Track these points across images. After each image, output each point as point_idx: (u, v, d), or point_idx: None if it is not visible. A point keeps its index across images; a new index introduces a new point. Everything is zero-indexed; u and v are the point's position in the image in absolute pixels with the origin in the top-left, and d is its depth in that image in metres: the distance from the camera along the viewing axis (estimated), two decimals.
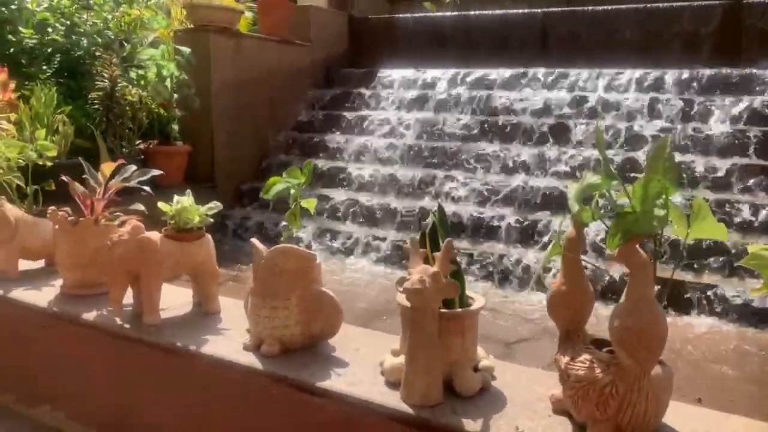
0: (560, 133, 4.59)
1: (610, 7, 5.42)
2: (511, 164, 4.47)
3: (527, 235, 3.88)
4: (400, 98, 5.38)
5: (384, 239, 4.10)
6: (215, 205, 1.68)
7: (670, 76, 4.75)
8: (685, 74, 4.72)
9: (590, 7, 5.49)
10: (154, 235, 1.58)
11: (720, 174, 3.91)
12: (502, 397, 1.26)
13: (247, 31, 5.22)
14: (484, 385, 1.27)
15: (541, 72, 5.20)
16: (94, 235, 1.76)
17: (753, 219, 3.56)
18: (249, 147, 4.97)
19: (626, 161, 4.15)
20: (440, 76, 5.45)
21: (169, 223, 1.63)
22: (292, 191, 1.50)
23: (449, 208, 4.13)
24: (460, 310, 1.26)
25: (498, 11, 5.83)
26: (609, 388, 1.06)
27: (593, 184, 1.09)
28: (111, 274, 1.55)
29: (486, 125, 4.84)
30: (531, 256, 3.60)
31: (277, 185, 1.51)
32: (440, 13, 6.22)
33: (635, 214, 1.02)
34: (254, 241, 1.48)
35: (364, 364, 1.38)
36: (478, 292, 1.39)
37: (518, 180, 4.29)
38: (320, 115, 5.55)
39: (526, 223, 3.93)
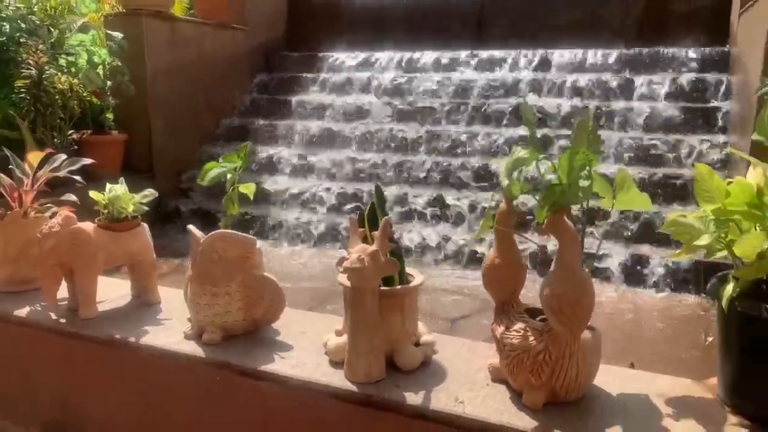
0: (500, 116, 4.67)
1: None
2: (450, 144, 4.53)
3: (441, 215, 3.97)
4: (344, 82, 5.35)
5: (320, 222, 4.10)
6: (150, 193, 1.64)
7: (600, 55, 4.89)
8: (615, 53, 4.86)
9: None
10: (87, 226, 1.54)
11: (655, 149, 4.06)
12: (442, 370, 1.29)
13: (182, 14, 5.06)
14: (425, 360, 1.30)
15: (482, 54, 5.26)
16: (23, 228, 1.69)
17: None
18: (189, 135, 4.85)
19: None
20: (383, 60, 5.45)
21: (102, 213, 1.58)
22: (229, 176, 1.48)
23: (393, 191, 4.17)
24: (398, 287, 1.28)
25: None
26: (542, 355, 1.11)
27: (521, 158, 1.12)
28: (43, 267, 1.50)
29: (439, 107, 4.87)
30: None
31: (214, 170, 1.49)
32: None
33: (562, 186, 1.06)
34: (191, 227, 1.45)
35: (309, 347, 1.39)
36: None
37: (460, 160, 4.36)
38: (262, 100, 5.46)
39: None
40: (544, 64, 4.99)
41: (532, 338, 1.12)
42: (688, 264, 3.07)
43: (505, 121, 4.59)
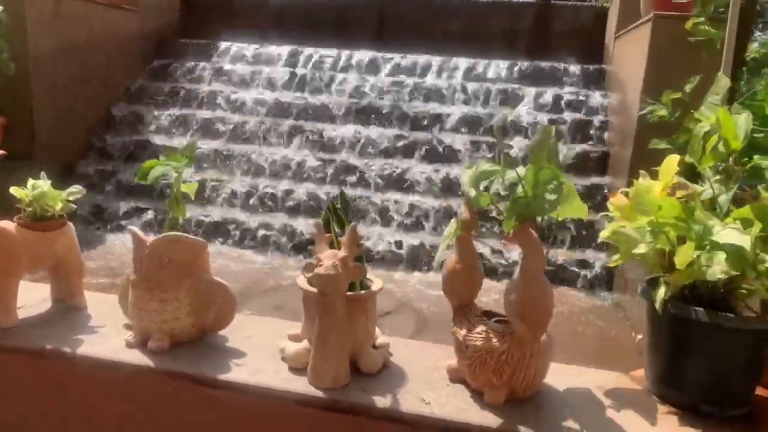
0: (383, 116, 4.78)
1: None
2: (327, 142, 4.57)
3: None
4: (239, 73, 5.20)
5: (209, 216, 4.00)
6: (77, 190, 1.52)
7: (490, 66, 5.18)
8: (504, 65, 5.17)
9: None
10: (7, 225, 1.39)
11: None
12: (401, 371, 1.33)
13: None
14: (384, 362, 1.34)
15: (378, 55, 5.36)
16: None
17: None
18: (76, 120, 4.48)
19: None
20: (279, 53, 5.37)
21: (24, 211, 1.44)
22: (174, 175, 1.41)
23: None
24: (363, 291, 1.30)
25: None
26: (505, 356, 1.18)
27: (488, 171, 1.19)
28: None
29: (326, 106, 4.88)
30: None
31: (156, 168, 1.42)
32: None
33: (527, 198, 1.14)
34: (134, 229, 1.37)
35: (262, 352, 1.37)
36: None
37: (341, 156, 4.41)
38: (155, 87, 5.17)
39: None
40: (441, 71, 5.18)
41: (495, 340, 1.19)
42: (600, 267, 3.38)
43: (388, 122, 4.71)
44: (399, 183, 4.20)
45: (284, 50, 5.37)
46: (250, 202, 4.15)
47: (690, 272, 1.18)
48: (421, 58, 5.27)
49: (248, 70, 5.23)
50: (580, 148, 4.40)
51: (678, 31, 3.17)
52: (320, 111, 4.81)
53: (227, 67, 5.27)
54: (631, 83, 3.68)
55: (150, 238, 1.35)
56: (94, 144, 4.63)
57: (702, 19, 2.66)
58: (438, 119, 4.68)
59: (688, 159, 1.87)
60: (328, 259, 1.18)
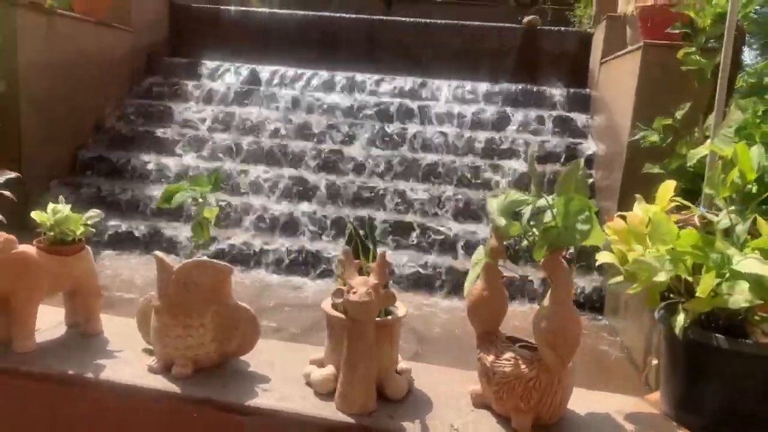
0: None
1: (429, 21, 5.83)
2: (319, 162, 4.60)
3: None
4: (225, 93, 5.21)
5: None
6: (96, 214, 1.51)
7: (480, 87, 5.26)
8: (494, 87, 5.26)
9: (412, 19, 5.85)
10: (30, 249, 1.38)
11: None
12: (425, 397, 1.34)
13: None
14: (408, 387, 1.35)
15: (368, 77, 5.40)
16: None
17: None
18: (65, 137, 4.43)
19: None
20: (266, 74, 5.39)
21: (44, 235, 1.43)
22: (200, 200, 1.42)
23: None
24: (390, 317, 1.32)
25: (326, 13, 5.93)
26: (533, 382, 1.20)
27: (518, 201, 1.22)
28: None
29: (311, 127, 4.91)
30: None
31: (180, 193, 1.42)
32: (267, 10, 6.13)
33: (558, 228, 1.17)
34: (159, 254, 1.37)
35: (287, 378, 1.37)
36: None
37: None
38: (144, 105, 5.14)
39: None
40: (430, 92, 5.25)
41: (523, 366, 1.21)
42: (591, 289, 3.43)
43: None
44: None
45: (272, 70, 5.39)
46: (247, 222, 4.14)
47: (711, 300, 1.22)
48: (409, 80, 5.34)
49: (237, 89, 5.23)
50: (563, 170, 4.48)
51: (667, 59, 3.28)
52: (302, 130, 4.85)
53: (215, 86, 5.28)
54: (619, 108, 3.78)
55: (174, 262, 1.35)
56: (82, 161, 4.58)
57: (693, 49, 2.76)
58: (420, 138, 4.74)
59: (683, 185, 1.93)
60: (360, 285, 1.19)
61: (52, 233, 1.42)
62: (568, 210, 1.16)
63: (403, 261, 3.74)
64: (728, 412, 1.27)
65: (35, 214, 1.41)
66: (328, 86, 5.34)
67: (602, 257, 1.72)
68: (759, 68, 2.70)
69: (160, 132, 4.81)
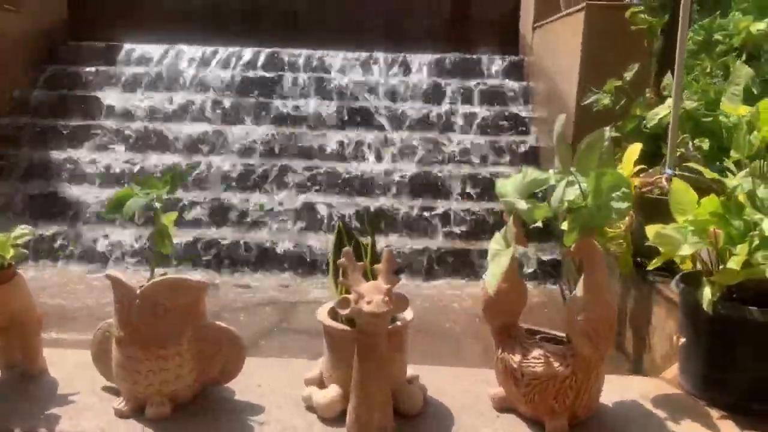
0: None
1: None
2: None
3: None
4: (146, 77, 4.78)
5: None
6: (29, 231, 1.25)
7: (412, 59, 5.09)
8: (428, 58, 5.10)
9: None
10: None
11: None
12: (441, 405, 1.20)
13: None
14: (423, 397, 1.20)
15: (296, 53, 5.12)
16: None
17: None
18: None
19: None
20: (189, 54, 5.00)
21: None
22: (157, 205, 1.19)
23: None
24: (398, 323, 1.15)
25: None
26: (569, 380, 1.08)
27: (539, 180, 1.08)
28: None
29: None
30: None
31: (134, 200, 1.18)
32: None
33: (589, 208, 1.04)
34: (114, 274, 1.14)
35: (282, 404, 1.19)
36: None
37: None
38: (46, 96, 4.63)
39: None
40: (366, 66, 5.05)
41: (557, 364, 1.09)
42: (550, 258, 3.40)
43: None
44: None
45: (195, 51, 5.00)
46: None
47: (747, 271, 1.13)
48: (340, 55, 5.10)
49: (156, 72, 4.82)
50: (506, 139, 4.42)
51: (611, 19, 3.23)
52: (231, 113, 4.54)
53: (132, 70, 4.83)
54: (561, 73, 3.73)
55: (133, 282, 1.12)
56: None
57: (641, 8, 2.73)
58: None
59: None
60: (372, 293, 1.02)
61: None
62: (599, 187, 1.03)
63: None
64: (760, 387, 1.20)
65: None
66: (254, 64, 5.01)
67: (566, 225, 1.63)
68: (706, 24, 2.68)
69: (72, 124, 4.36)
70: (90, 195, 3.91)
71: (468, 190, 4.04)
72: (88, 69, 4.85)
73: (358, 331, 1.05)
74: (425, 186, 3.96)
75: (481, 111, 4.65)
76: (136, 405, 1.13)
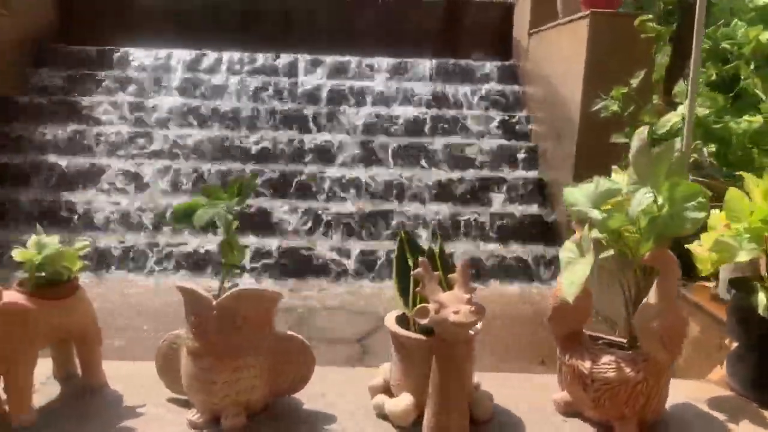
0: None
1: None
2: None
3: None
4: (145, 82, 4.73)
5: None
6: (88, 243, 1.24)
7: (412, 65, 5.12)
8: (427, 64, 5.14)
9: None
10: (16, 297, 1.10)
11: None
12: (508, 411, 1.22)
13: None
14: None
15: (303, 58, 5.11)
16: None
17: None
18: None
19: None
20: (184, 59, 4.96)
21: (32, 276, 1.14)
22: (229, 216, 1.19)
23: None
24: (471, 332, 1.17)
25: None
26: (641, 385, 1.11)
27: (613, 190, 1.11)
28: None
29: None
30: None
31: (204, 211, 1.18)
32: None
33: (664, 217, 1.07)
34: (191, 286, 1.13)
35: (353, 412, 1.19)
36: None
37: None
38: (39, 101, 4.55)
39: None
40: (364, 71, 5.06)
41: (628, 370, 1.12)
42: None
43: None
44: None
45: (187, 55, 4.95)
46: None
47: None
48: (336, 59, 5.10)
49: (153, 77, 4.76)
50: (505, 144, 4.47)
51: (615, 28, 3.31)
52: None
53: (128, 74, 4.77)
54: (562, 79, 3.79)
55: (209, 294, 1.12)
56: None
57: (650, 16, 2.79)
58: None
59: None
60: (455, 303, 1.03)
61: (43, 274, 1.13)
62: (673, 196, 1.06)
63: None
64: None
65: (19, 254, 1.12)
66: (253, 69, 4.99)
67: (582, 230, 1.67)
68: (710, 33, 2.76)
69: (66, 129, 4.28)
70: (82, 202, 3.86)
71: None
72: (79, 73, 4.78)
73: (438, 340, 1.07)
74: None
75: (476, 114, 4.71)
76: (211, 416, 1.12)
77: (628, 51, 3.15)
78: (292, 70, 5.04)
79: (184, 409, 1.17)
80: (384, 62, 5.10)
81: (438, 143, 4.42)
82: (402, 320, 1.22)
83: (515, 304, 3.25)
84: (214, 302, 1.10)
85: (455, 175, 4.17)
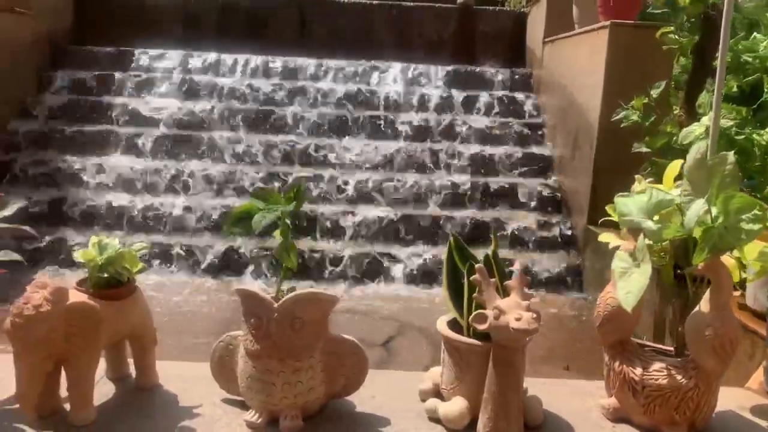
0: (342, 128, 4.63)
1: (367, 2, 5.62)
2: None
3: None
4: (164, 84, 4.76)
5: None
6: (146, 245, 1.26)
7: (426, 70, 5.16)
8: (435, 70, 5.16)
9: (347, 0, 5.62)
10: (81, 297, 1.12)
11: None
12: (556, 416, 1.24)
13: None
14: None
15: (307, 62, 5.14)
16: None
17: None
18: None
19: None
20: (199, 62, 5.00)
21: (93, 276, 1.16)
22: (286, 220, 1.21)
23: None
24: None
25: None
26: (692, 392, 1.13)
27: (667, 200, 1.13)
28: (28, 365, 1.04)
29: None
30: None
31: (262, 216, 1.20)
32: None
33: (718, 228, 1.09)
34: (245, 288, 1.15)
35: (405, 416, 1.21)
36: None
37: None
38: (58, 102, 4.58)
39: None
40: (374, 75, 5.09)
41: (680, 377, 1.14)
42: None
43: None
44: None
45: (210, 57, 4.99)
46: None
47: None
48: (351, 63, 5.14)
49: (173, 78, 4.80)
50: (522, 150, 4.49)
51: (634, 38, 3.34)
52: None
53: (147, 76, 4.80)
54: (580, 88, 3.81)
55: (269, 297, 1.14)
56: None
57: (671, 28, 2.82)
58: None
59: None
60: (516, 309, 1.06)
61: (105, 275, 1.15)
62: (728, 208, 1.08)
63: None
64: None
65: (81, 254, 1.14)
66: (266, 72, 5.03)
67: (606, 238, 1.69)
68: (731, 45, 2.78)
69: (86, 130, 4.31)
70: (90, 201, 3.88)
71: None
72: (98, 73, 4.80)
73: (497, 346, 1.09)
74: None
75: (491, 121, 4.74)
76: (269, 418, 1.14)
77: (646, 61, 3.18)
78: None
79: (240, 409, 1.19)
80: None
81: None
82: (453, 325, 1.24)
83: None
84: (275, 305, 1.12)
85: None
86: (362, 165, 4.33)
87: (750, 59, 2.68)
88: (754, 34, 2.86)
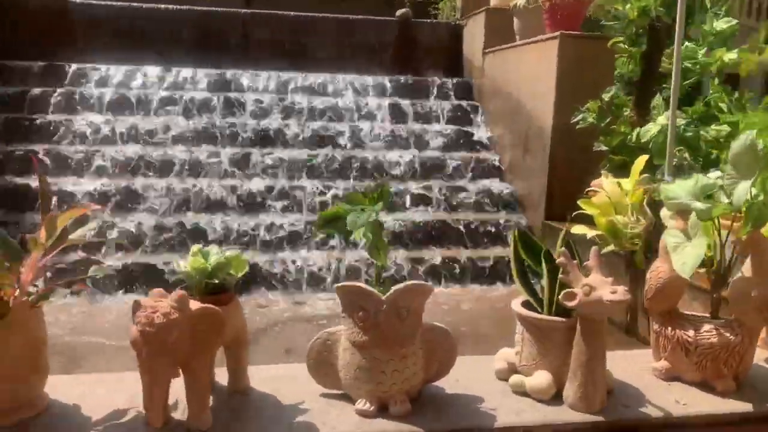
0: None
1: (309, 14, 5.67)
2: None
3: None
4: (101, 99, 4.59)
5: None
6: (238, 253, 1.30)
7: (369, 81, 5.29)
8: (379, 79, 5.31)
9: (292, 12, 5.65)
10: (195, 303, 1.14)
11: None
12: (621, 382, 1.39)
13: None
14: None
15: (248, 75, 5.13)
16: (24, 325, 1.14)
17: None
18: None
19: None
20: (150, 74, 4.87)
21: (201, 283, 1.19)
22: (371, 219, 1.29)
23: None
24: None
25: (197, 7, 5.48)
26: (739, 347, 1.32)
27: (711, 184, 1.32)
28: (157, 372, 1.06)
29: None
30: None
31: (354, 215, 1.27)
32: (126, 3, 5.41)
33: (758, 204, 1.28)
34: (350, 283, 1.22)
35: (490, 392, 1.32)
36: None
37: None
38: None
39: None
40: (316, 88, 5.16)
41: (729, 335, 1.32)
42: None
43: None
44: None
45: (152, 71, 4.87)
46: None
47: None
48: (293, 75, 5.18)
49: (112, 93, 4.63)
50: (468, 156, 4.71)
51: (583, 47, 3.64)
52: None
53: (85, 91, 4.60)
54: (530, 94, 4.07)
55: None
56: None
57: (622, 38, 3.12)
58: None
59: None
60: (606, 285, 1.19)
61: (214, 281, 1.18)
62: (766, 188, 1.28)
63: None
64: None
65: (189, 263, 1.17)
66: (212, 85, 4.97)
67: (579, 230, 1.91)
68: (670, 53, 3.12)
69: (20, 148, 4.09)
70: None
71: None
72: (30, 90, 4.56)
73: (583, 320, 1.22)
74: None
75: (440, 128, 4.94)
76: (379, 405, 1.21)
77: (593, 68, 3.48)
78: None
79: (342, 402, 1.25)
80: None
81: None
82: (526, 306, 1.37)
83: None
84: (383, 297, 1.19)
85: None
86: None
87: (690, 65, 3.01)
88: (685, 44, 3.21)
